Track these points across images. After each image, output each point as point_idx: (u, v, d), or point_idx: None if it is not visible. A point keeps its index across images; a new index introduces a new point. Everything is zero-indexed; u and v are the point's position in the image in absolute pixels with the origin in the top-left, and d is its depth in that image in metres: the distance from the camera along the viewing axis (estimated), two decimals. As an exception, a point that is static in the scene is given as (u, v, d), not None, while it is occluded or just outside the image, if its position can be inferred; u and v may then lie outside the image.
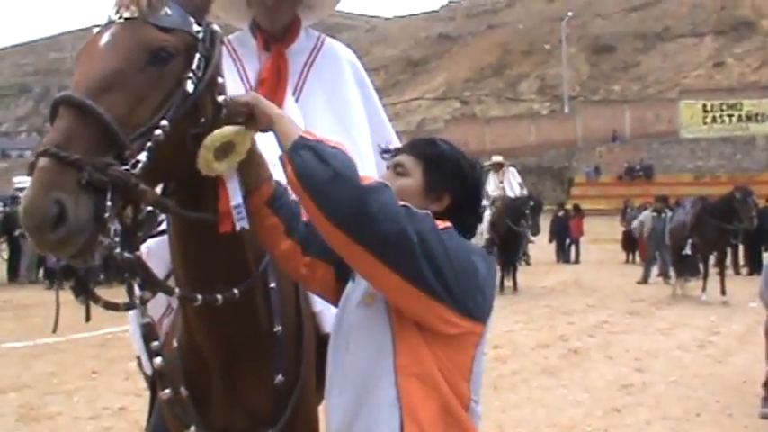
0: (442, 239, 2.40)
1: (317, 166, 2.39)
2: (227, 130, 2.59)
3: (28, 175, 2.26)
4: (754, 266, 21.62)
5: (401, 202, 2.39)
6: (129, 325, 3.74)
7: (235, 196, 2.69)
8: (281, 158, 2.52)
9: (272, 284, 3.02)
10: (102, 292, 2.53)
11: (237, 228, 2.69)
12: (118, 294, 2.65)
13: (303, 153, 2.43)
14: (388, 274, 2.34)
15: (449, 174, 2.68)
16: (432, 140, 2.80)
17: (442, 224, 2.45)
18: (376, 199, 2.34)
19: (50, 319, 2.46)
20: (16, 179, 26.31)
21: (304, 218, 2.78)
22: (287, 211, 2.78)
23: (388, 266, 2.33)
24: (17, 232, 22.01)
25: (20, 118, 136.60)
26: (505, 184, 20.28)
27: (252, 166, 2.75)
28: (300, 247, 2.76)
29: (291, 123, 2.62)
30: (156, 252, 3.10)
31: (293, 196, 2.77)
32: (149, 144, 2.35)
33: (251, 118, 2.64)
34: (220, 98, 2.67)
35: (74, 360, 11.50)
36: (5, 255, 24.54)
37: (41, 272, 23.05)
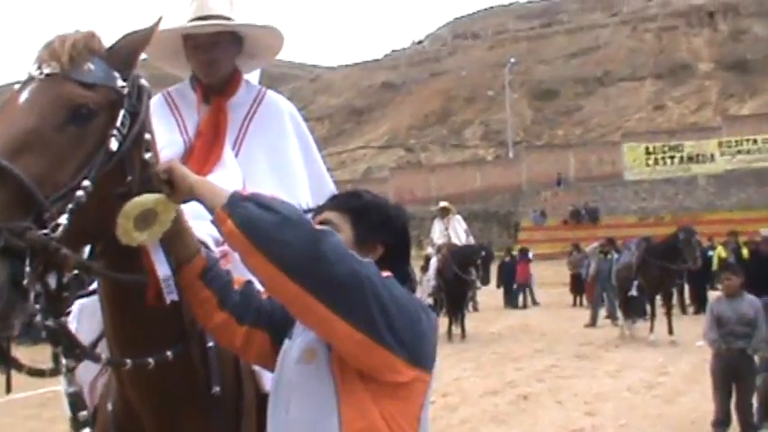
0: (388, 286, 2.37)
1: (263, 213, 2.33)
2: (147, 198, 2.49)
3: None
4: (701, 305, 21.87)
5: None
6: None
7: (161, 268, 2.60)
8: (214, 218, 2.42)
9: (210, 344, 2.92)
10: (30, 351, 2.45)
11: (167, 301, 2.60)
12: (48, 351, 2.58)
13: (244, 204, 2.36)
14: (339, 323, 2.28)
15: (377, 223, 2.65)
16: (354, 192, 2.78)
17: (384, 273, 2.42)
18: (328, 241, 2.30)
19: None
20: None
21: (236, 286, 2.72)
22: (219, 282, 2.70)
23: (338, 314, 2.27)
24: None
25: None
26: (450, 232, 20.31)
27: (181, 239, 2.67)
28: (235, 317, 2.68)
29: (215, 185, 2.54)
30: (89, 310, 3.00)
31: (227, 264, 2.73)
32: (70, 206, 2.27)
33: (173, 187, 2.55)
34: (147, 155, 2.59)
35: (11, 422, 11.24)
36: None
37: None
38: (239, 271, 2.65)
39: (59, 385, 3.41)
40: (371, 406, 2.39)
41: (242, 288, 2.73)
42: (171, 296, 2.61)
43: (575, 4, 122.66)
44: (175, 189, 2.55)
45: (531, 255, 30.44)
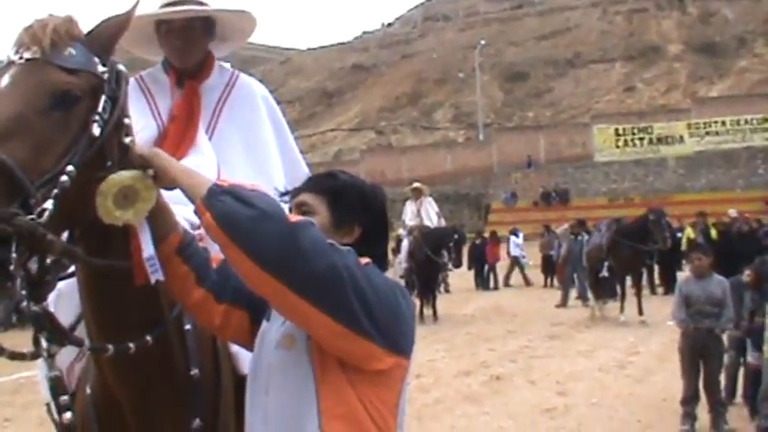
0: (368, 275, 2.36)
1: (240, 208, 2.31)
2: (123, 175, 2.48)
3: None
4: (670, 286, 22.04)
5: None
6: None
7: (147, 247, 2.59)
8: (195, 209, 2.42)
9: (188, 326, 2.94)
10: (13, 334, 2.45)
11: (152, 280, 2.60)
12: (29, 337, 2.57)
13: (222, 198, 2.34)
14: (318, 316, 2.27)
15: (354, 204, 2.63)
16: (330, 173, 2.76)
17: (363, 260, 2.41)
18: (306, 234, 2.28)
19: None
20: None
21: (214, 265, 2.72)
22: (197, 260, 2.70)
23: (318, 307, 2.26)
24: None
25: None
26: (423, 214, 20.31)
27: (157, 215, 2.65)
28: (213, 294, 2.67)
29: (198, 175, 2.53)
30: (66, 293, 2.99)
31: (205, 243, 2.73)
32: (55, 191, 2.27)
33: (155, 178, 2.56)
34: (127, 139, 2.59)
35: (-16, 408, 11.19)
36: None
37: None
38: (215, 250, 2.65)
39: (32, 371, 3.41)
40: (351, 392, 2.39)
41: (219, 266, 2.72)
42: (155, 275, 2.60)
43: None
44: (157, 178, 2.55)
45: (520, 235, 30.24)
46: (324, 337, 2.35)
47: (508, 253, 29.65)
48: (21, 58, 2.43)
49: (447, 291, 26.04)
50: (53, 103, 2.36)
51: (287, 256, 2.26)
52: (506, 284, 28.90)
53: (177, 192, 2.56)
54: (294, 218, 2.37)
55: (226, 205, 2.32)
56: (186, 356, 2.94)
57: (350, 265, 2.31)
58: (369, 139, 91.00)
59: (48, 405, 3.51)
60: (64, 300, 2.91)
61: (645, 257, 18.33)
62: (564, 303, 21.65)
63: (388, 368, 2.41)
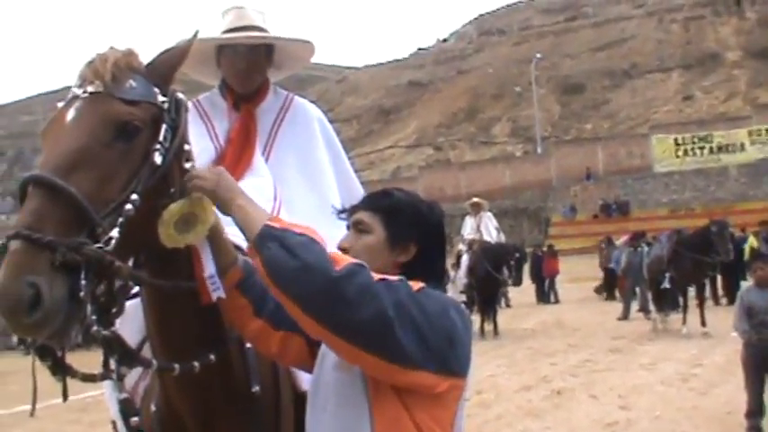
0: (421, 303, 2.36)
1: (285, 258, 2.34)
2: (181, 203, 2.57)
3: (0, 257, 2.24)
4: (733, 296, 21.68)
5: (376, 276, 2.35)
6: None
7: (208, 266, 2.69)
8: (248, 248, 2.49)
9: (248, 345, 3.00)
10: (79, 355, 2.53)
11: (213, 298, 2.69)
12: (96, 357, 2.65)
13: (270, 245, 2.38)
14: (368, 358, 2.30)
15: (410, 221, 2.64)
16: (386, 192, 2.78)
17: (415, 285, 2.41)
18: (352, 283, 2.29)
19: (28, 386, 2.42)
20: (-9, 242, 26.23)
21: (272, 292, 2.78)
22: (255, 292, 2.75)
23: (368, 352, 2.29)
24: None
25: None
26: (482, 229, 20.30)
27: (218, 249, 2.74)
28: (270, 324, 2.73)
29: (254, 209, 2.58)
30: (130, 313, 3.08)
31: None
32: (120, 219, 2.36)
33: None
34: (188, 165, 2.68)
35: (54, 427, 11.39)
36: (-20, 322, 24.30)
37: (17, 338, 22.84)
38: None
39: (99, 390, 3.51)
40: (405, 415, 2.41)
41: None
42: (217, 293, 2.70)
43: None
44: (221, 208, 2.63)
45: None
46: (376, 375, 2.38)
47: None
48: (84, 92, 2.53)
49: (508, 305, 25.93)
50: (116, 134, 2.45)
51: (331, 306, 2.28)
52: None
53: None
54: (340, 265, 2.35)
55: (272, 254, 2.37)
56: (247, 374, 3.01)
57: (401, 300, 2.32)
58: (426, 156, 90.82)
59: (113, 423, 3.61)
60: (128, 319, 2.99)
61: (707, 269, 18.05)
62: (625, 316, 21.42)
63: (442, 390, 2.42)
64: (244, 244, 3.04)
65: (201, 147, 3.80)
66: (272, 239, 2.39)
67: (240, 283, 2.75)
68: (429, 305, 2.39)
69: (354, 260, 2.43)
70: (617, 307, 22.83)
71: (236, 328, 2.85)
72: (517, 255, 19.94)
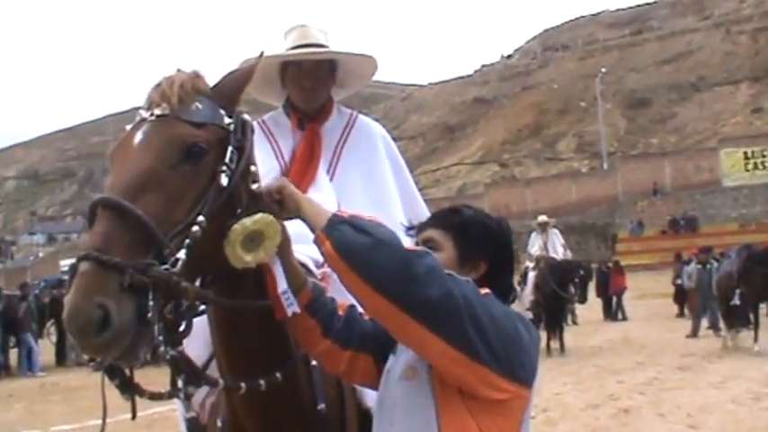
0: (486, 304, 2.41)
1: (357, 236, 2.41)
2: (244, 223, 2.58)
3: (70, 279, 2.28)
4: (807, 313, 21.25)
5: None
6: (175, 404, 3.74)
7: (281, 282, 2.70)
8: (315, 238, 2.52)
9: (314, 362, 3.02)
10: (148, 371, 2.57)
11: (288, 313, 2.70)
12: (163, 373, 2.69)
13: (341, 227, 2.45)
14: (434, 341, 2.34)
15: (480, 239, 2.67)
16: (455, 209, 2.80)
17: (482, 291, 2.45)
18: (422, 262, 2.36)
19: (99, 401, 2.46)
20: (63, 262, 26.80)
21: (341, 312, 2.80)
22: (324, 312, 2.78)
23: (435, 332, 2.33)
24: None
25: (65, 202, 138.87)
26: (549, 246, 20.23)
27: (287, 272, 2.76)
28: (338, 344, 2.76)
29: (320, 206, 2.64)
30: (197, 331, 3.13)
31: (330, 291, 2.82)
32: (187, 241, 2.39)
33: (282, 205, 2.66)
34: (254, 186, 2.70)
35: (123, 444, 11.55)
36: (54, 338, 24.86)
37: (87, 355, 23.27)
38: (340, 293, 2.72)
39: (166, 406, 3.56)
40: (471, 421, 2.43)
41: (345, 313, 2.80)
42: (291, 308, 2.71)
43: (664, 10, 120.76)
44: (284, 207, 2.66)
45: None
46: (441, 364, 2.41)
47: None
48: (151, 114, 2.57)
49: (574, 322, 25.67)
50: (183, 156, 2.49)
51: (402, 281, 2.33)
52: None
53: (298, 230, 2.68)
54: (411, 246, 2.46)
55: (343, 234, 2.43)
56: (313, 392, 3.02)
57: (468, 295, 2.37)
58: (492, 172, 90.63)
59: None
60: (195, 336, 3.03)
61: (779, 284, 17.69)
62: (695, 333, 21.05)
63: (507, 398, 2.44)
64: (309, 261, 3.08)
65: (268, 167, 3.84)
66: (341, 223, 2.47)
67: (309, 304, 2.77)
68: (495, 309, 2.43)
69: (422, 247, 2.51)
70: (686, 324, 22.48)
71: (305, 349, 2.87)
72: (581, 272, 19.78)
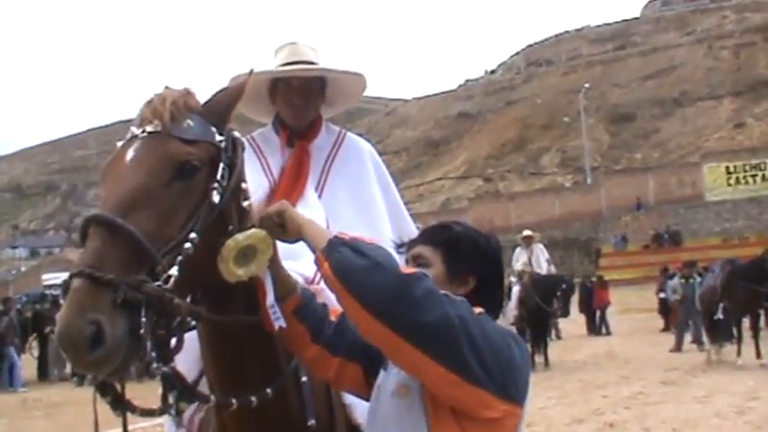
0: (481, 323, 2.41)
1: (355, 258, 2.41)
2: (238, 238, 2.59)
3: (62, 295, 2.29)
4: (790, 327, 21.34)
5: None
6: (160, 419, 3.74)
7: (269, 295, 2.72)
8: (316, 259, 2.53)
9: (304, 378, 3.02)
10: (133, 386, 2.56)
11: (275, 327, 2.71)
12: (150, 388, 2.68)
13: (341, 249, 2.45)
14: (430, 364, 2.33)
15: (468, 254, 2.68)
16: (444, 225, 2.81)
17: (476, 310, 2.45)
18: (419, 285, 2.35)
19: (82, 417, 2.48)
20: (45, 276, 26.70)
21: (333, 317, 2.80)
22: (313, 318, 2.78)
23: (431, 356, 2.32)
24: (47, 329, 22.32)
25: (47, 215, 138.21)
26: (533, 261, 20.26)
27: (276, 277, 2.77)
28: (327, 350, 2.76)
29: (320, 226, 2.66)
30: (188, 346, 3.13)
31: (322, 298, 2.82)
32: (180, 258, 2.40)
33: (284, 228, 2.67)
34: (245, 203, 2.71)
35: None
36: (36, 352, 24.72)
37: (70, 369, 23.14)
38: (334, 303, 2.71)
39: (148, 422, 3.55)
40: None
41: (337, 321, 2.80)
42: (278, 322, 2.72)
43: (647, 26, 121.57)
44: (286, 230, 2.67)
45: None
46: (437, 386, 2.40)
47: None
48: (143, 131, 2.57)
49: (558, 337, 25.73)
50: (174, 173, 2.49)
51: (399, 305, 2.33)
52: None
53: (288, 246, 2.70)
54: (407, 269, 2.45)
55: (342, 256, 2.43)
56: (303, 408, 3.00)
57: (463, 315, 2.36)
58: (476, 187, 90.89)
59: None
60: (184, 352, 3.02)
61: (762, 299, 17.73)
62: (678, 348, 21.13)
63: (499, 416, 2.43)
64: (299, 278, 3.08)
65: (257, 182, 3.82)
66: (341, 245, 2.47)
67: (299, 309, 2.78)
68: (489, 328, 2.43)
69: (419, 270, 2.50)
70: (669, 338, 22.55)
71: (295, 353, 2.87)
72: (564, 285, 19.82)
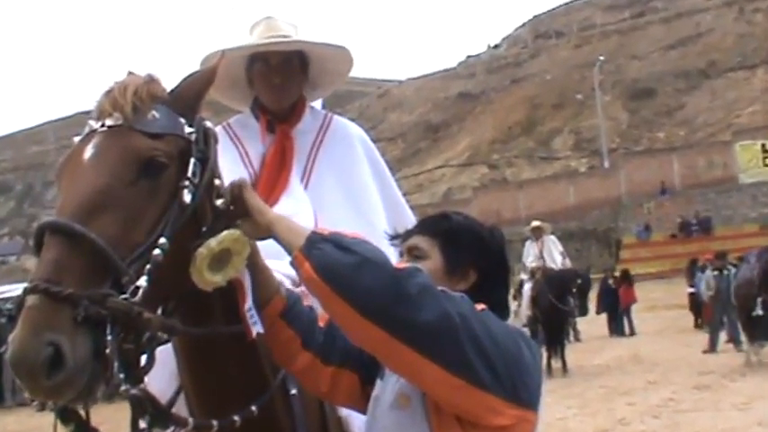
0: (484, 321, 2.39)
1: (340, 255, 2.37)
2: (209, 244, 2.54)
3: (16, 313, 2.24)
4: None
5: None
6: None
7: (247, 299, 2.68)
8: (293, 260, 2.48)
9: (293, 391, 2.99)
10: (101, 409, 2.54)
11: (253, 333, 2.67)
12: (122, 409, 2.66)
13: (322, 246, 2.41)
14: (430, 368, 2.31)
15: (468, 246, 2.68)
16: (443, 215, 2.81)
17: (477, 306, 2.43)
18: (413, 282, 2.32)
19: None
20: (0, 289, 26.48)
21: (321, 323, 2.78)
22: (302, 322, 2.77)
23: (430, 358, 2.30)
24: (2, 349, 22.17)
25: (0, 220, 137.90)
26: (545, 255, 20.26)
27: (258, 278, 2.74)
28: (319, 357, 2.74)
29: (294, 223, 2.61)
30: (161, 360, 3.09)
31: (309, 301, 2.79)
32: (148, 266, 2.35)
33: (247, 216, 2.64)
34: (219, 202, 2.67)
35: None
36: (-13, 376, 24.64)
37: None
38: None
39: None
40: None
41: (327, 326, 2.78)
42: (255, 328, 2.67)
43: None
44: (253, 223, 2.64)
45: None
46: (438, 392, 2.38)
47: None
48: (102, 125, 2.53)
49: (577, 339, 25.79)
50: (139, 172, 2.45)
51: (393, 304, 2.30)
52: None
53: (272, 243, 2.64)
54: (400, 264, 2.44)
55: (324, 253, 2.39)
56: (293, 423, 2.98)
57: (464, 312, 2.35)
58: (481, 175, 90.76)
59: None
60: (157, 368, 3.01)
61: (808, 290, 17.75)
62: (712, 348, 21.14)
63: (510, 423, 2.41)
64: (285, 279, 3.07)
65: (235, 174, 3.81)
66: (323, 242, 2.43)
67: (284, 312, 2.76)
68: (493, 326, 2.41)
69: (412, 264, 2.48)
70: (702, 338, 22.57)
71: (282, 364, 2.85)
72: (579, 281, 19.79)
